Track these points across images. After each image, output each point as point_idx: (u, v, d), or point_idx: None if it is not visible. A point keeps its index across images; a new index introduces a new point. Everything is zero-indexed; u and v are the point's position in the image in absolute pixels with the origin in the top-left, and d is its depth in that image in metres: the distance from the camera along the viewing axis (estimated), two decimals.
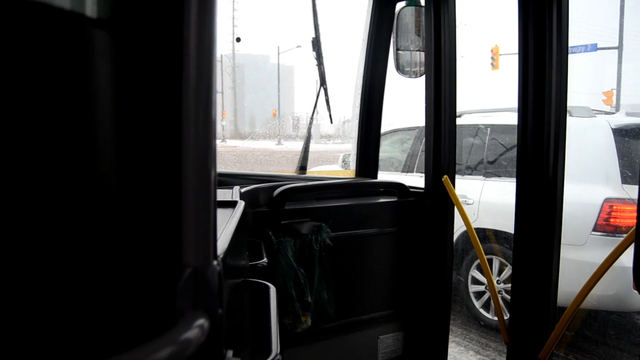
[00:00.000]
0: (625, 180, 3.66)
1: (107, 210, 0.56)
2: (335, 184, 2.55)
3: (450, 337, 2.49)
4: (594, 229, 3.59)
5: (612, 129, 3.78)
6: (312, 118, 2.71)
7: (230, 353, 0.71)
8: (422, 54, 2.44)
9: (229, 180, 2.35)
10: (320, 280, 2.12)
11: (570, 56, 1.87)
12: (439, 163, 2.36)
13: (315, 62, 2.53)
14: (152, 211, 0.60)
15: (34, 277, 0.50)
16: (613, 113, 4.33)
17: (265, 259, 1.48)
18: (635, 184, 3.64)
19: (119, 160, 0.57)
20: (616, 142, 3.73)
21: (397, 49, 2.49)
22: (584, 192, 3.60)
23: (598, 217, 3.60)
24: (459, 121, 3.48)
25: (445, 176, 2.31)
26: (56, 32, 0.49)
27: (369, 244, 2.30)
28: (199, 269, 0.57)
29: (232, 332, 0.84)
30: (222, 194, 1.63)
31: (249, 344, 1.33)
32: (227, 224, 0.97)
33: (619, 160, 3.69)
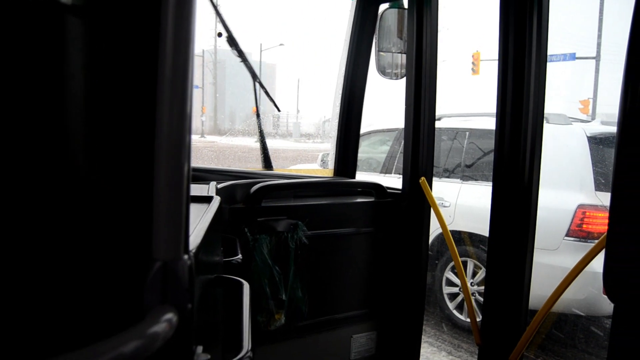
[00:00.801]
0: (598, 187, 3.72)
1: (74, 200, 0.55)
2: (313, 182, 2.54)
3: (423, 337, 2.51)
4: (567, 234, 3.65)
5: (587, 136, 3.84)
6: (258, 115, 2.71)
7: (200, 349, 0.71)
8: (404, 56, 2.45)
9: (205, 175, 2.33)
10: (295, 278, 2.12)
11: (548, 64, 1.89)
12: (417, 165, 2.37)
13: (239, 59, 2.51)
14: (121, 204, 0.59)
15: (12, 270, 0.49)
16: (589, 121, 4.41)
17: (239, 256, 1.47)
18: (608, 191, 3.61)
19: (89, 150, 0.56)
20: (591, 149, 3.79)
21: (379, 50, 2.50)
22: (558, 198, 3.66)
23: (571, 222, 3.66)
24: (438, 124, 3.43)
25: (422, 178, 2.32)
26: (28, 16, 0.48)
27: (345, 243, 2.30)
28: (168, 263, 0.56)
29: (203, 328, 0.83)
30: (198, 189, 1.61)
31: (220, 341, 1.32)
32: (201, 219, 0.96)
33: (593, 167, 3.75)
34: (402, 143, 5.06)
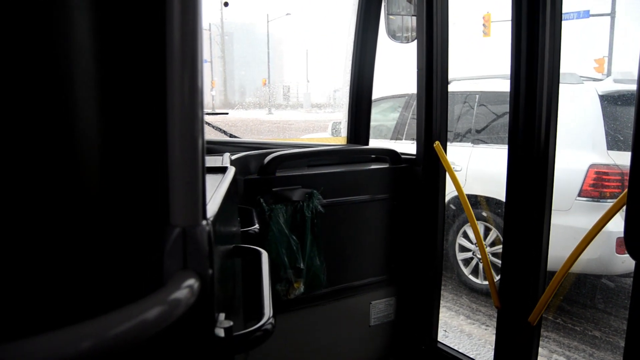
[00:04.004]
0: (610, 146, 3.66)
1: (91, 171, 0.55)
2: (327, 150, 2.53)
3: (441, 302, 2.52)
4: (579, 195, 3.61)
5: (599, 95, 3.76)
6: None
7: (222, 316, 0.71)
8: (414, 18, 2.40)
9: (219, 147, 2.32)
10: (312, 247, 2.12)
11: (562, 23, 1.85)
12: (431, 129, 2.35)
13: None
14: (138, 173, 0.59)
15: (25, 238, 0.49)
16: (601, 80, 4.32)
17: (257, 226, 1.47)
18: (620, 150, 3.65)
19: (101, 120, 0.55)
20: (603, 108, 3.73)
21: (389, 14, 2.45)
22: (570, 158, 3.61)
23: (583, 182, 3.62)
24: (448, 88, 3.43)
25: (437, 142, 2.30)
26: None
27: (361, 210, 2.30)
28: (187, 229, 0.56)
29: (224, 297, 0.83)
30: (213, 161, 1.61)
31: (241, 310, 1.33)
32: (217, 188, 0.96)
33: (605, 126, 3.70)
34: (413, 108, 5.04)
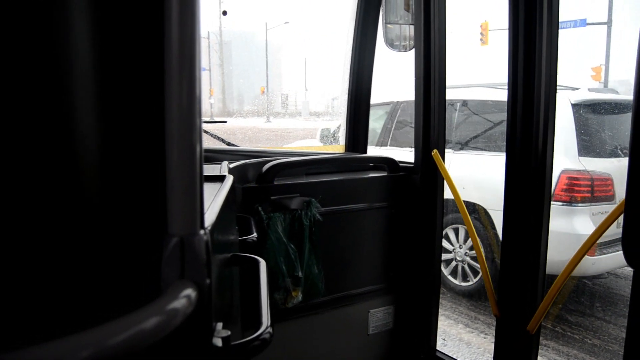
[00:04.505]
0: (581, 153, 3.85)
1: (89, 180, 0.55)
2: (325, 159, 2.53)
3: (439, 310, 2.51)
4: (552, 199, 3.69)
5: (571, 104, 3.94)
6: None
7: (220, 325, 0.71)
8: (412, 27, 2.42)
9: (217, 156, 2.33)
10: (311, 255, 2.12)
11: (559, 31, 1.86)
12: (429, 138, 2.35)
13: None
14: (136, 182, 0.59)
15: (24, 248, 0.49)
16: (576, 89, 4.50)
17: (255, 234, 1.47)
18: (591, 157, 3.84)
19: (100, 128, 0.56)
20: (575, 116, 3.90)
21: (387, 23, 2.46)
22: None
23: (555, 187, 3.72)
24: None
25: (435, 150, 2.30)
26: None
27: (359, 219, 2.30)
28: (185, 238, 0.56)
29: (222, 306, 0.83)
30: (210, 169, 1.61)
31: (239, 318, 1.33)
32: (215, 197, 0.96)
33: (576, 134, 3.87)
34: (398, 116, 5.20)
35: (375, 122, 5.74)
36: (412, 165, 2.45)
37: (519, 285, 1.93)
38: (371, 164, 2.55)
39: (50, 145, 0.51)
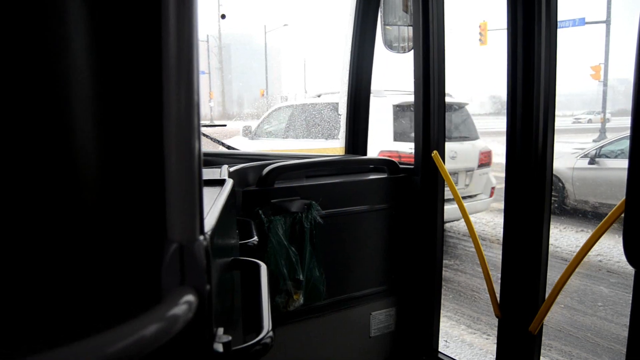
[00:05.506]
0: (395, 138, 5.62)
1: (88, 186, 0.55)
2: (325, 161, 2.53)
3: (442, 312, 2.51)
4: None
5: (392, 105, 5.69)
6: None
7: (220, 331, 0.71)
8: (410, 29, 2.42)
9: (217, 159, 2.33)
10: (312, 258, 2.12)
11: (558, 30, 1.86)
12: (429, 139, 2.35)
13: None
14: (135, 188, 0.58)
15: (23, 255, 0.49)
16: (401, 92, 6.03)
17: (255, 238, 1.47)
18: (401, 141, 5.55)
19: (98, 134, 0.55)
20: (394, 113, 5.69)
21: (385, 24, 2.46)
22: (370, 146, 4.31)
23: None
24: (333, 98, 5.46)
25: (435, 152, 2.30)
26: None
27: (360, 221, 2.29)
28: (185, 244, 0.56)
29: (223, 311, 0.83)
30: (210, 173, 1.61)
31: (240, 323, 1.32)
32: (214, 201, 0.96)
33: (393, 125, 5.66)
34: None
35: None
36: (412, 166, 2.45)
37: (521, 286, 1.92)
38: (371, 166, 2.55)
39: (49, 153, 0.51)
